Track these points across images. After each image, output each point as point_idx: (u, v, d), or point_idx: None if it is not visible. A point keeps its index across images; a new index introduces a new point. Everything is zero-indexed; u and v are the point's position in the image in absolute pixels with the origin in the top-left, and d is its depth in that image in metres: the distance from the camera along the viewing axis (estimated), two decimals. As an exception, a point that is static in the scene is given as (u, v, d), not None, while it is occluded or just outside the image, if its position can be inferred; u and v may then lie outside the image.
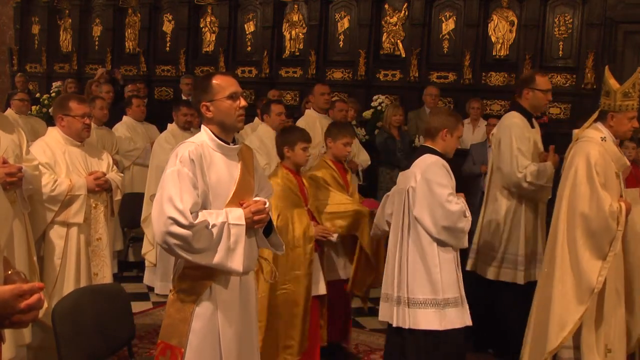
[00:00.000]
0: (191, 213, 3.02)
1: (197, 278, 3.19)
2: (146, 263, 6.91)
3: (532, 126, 5.32)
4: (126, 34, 12.26)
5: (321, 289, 4.74)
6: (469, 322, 4.26)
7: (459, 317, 4.20)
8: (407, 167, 8.00)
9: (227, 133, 3.27)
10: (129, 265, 7.52)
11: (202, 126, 3.30)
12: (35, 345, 4.44)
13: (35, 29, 13.17)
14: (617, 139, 4.46)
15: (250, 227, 3.23)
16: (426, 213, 4.18)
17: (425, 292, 4.17)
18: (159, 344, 3.25)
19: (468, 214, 4.21)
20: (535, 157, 5.21)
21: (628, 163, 4.54)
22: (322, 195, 5.01)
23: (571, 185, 4.31)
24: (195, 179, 3.09)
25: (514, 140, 5.11)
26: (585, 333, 4.27)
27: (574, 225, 4.27)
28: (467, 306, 4.27)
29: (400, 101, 9.46)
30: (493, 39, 9.47)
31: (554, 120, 8.98)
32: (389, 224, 4.57)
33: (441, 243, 4.19)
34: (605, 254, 4.19)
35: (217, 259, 3.09)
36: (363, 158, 7.40)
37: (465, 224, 4.20)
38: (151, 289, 6.88)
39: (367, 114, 9.25)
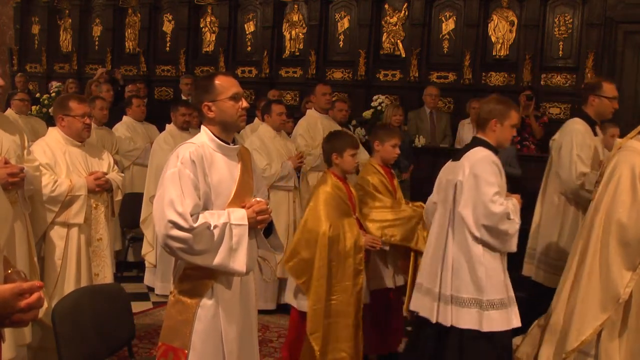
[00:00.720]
0: (192, 215, 3.02)
1: (198, 278, 3.18)
2: (146, 264, 6.91)
3: (595, 134, 5.21)
4: (126, 34, 12.26)
5: (364, 298, 4.61)
6: (517, 324, 4.07)
7: (503, 319, 4.01)
8: (407, 167, 8.04)
9: (227, 133, 3.28)
10: (129, 266, 7.52)
11: (202, 127, 3.30)
12: (36, 345, 4.44)
13: (35, 29, 13.17)
14: None
15: (253, 227, 3.23)
16: (469, 210, 3.99)
17: (470, 291, 4.00)
18: (160, 346, 3.24)
19: (514, 216, 3.98)
20: (595, 165, 5.07)
21: None
22: (370, 202, 4.86)
23: (612, 192, 4.18)
24: (196, 180, 3.09)
25: (575, 147, 5.04)
26: (606, 342, 4.15)
27: (609, 232, 4.16)
28: (515, 307, 4.08)
29: (400, 101, 9.46)
30: (493, 39, 9.47)
31: (554, 120, 8.96)
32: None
33: (485, 243, 4.01)
34: (636, 265, 4.12)
35: (219, 260, 3.09)
36: (364, 158, 7.36)
37: (509, 226, 3.97)
38: (151, 289, 6.88)
39: (367, 114, 9.24)
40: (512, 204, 4.01)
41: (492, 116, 4.09)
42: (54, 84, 11.69)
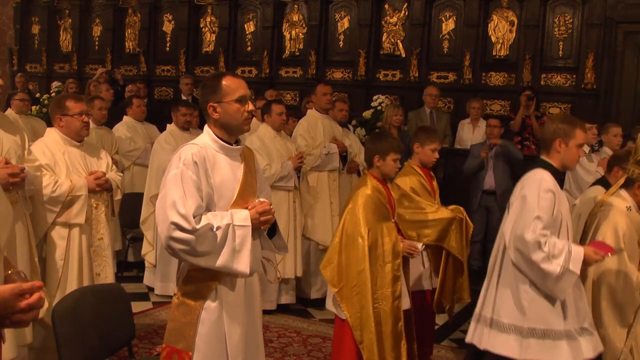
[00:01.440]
0: (195, 216, 3.01)
1: (202, 280, 3.17)
2: (146, 264, 6.91)
3: None
4: (126, 34, 12.26)
5: (405, 303, 4.46)
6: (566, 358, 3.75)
7: (544, 351, 3.74)
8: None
9: (230, 135, 3.26)
10: (129, 265, 7.52)
11: (206, 127, 3.28)
12: (37, 346, 4.43)
13: (35, 29, 13.16)
14: None
15: (257, 228, 3.22)
16: (509, 228, 3.81)
17: (511, 316, 3.79)
18: (164, 348, 3.23)
19: (561, 259, 3.64)
20: None
21: None
22: (408, 203, 4.79)
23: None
24: (198, 181, 3.08)
25: None
26: None
27: (599, 293, 4.18)
28: (578, 343, 3.76)
29: (400, 101, 9.47)
30: (493, 39, 9.47)
31: (554, 120, 8.98)
32: None
33: (520, 269, 3.77)
34: (629, 323, 4.14)
35: (222, 261, 3.08)
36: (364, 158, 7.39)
37: (544, 263, 3.63)
38: (151, 289, 6.88)
39: (367, 114, 9.25)
40: (573, 250, 3.69)
41: (556, 136, 3.84)
42: (54, 84, 11.70)
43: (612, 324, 4.13)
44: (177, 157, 3.13)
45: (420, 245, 4.50)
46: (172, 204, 3.01)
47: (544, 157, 3.92)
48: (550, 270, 3.65)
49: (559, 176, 3.93)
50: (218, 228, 3.06)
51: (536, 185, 3.76)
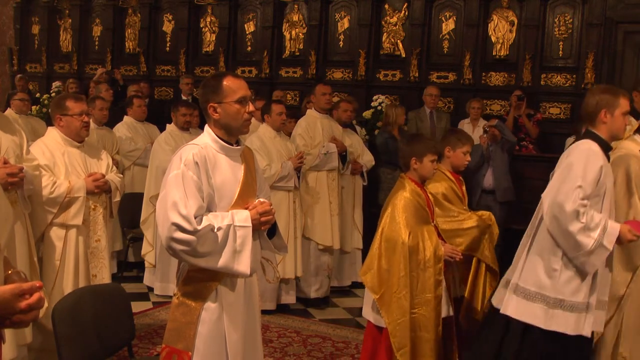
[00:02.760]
0: (196, 217, 3.01)
1: (202, 280, 3.17)
2: (146, 264, 6.91)
3: None
4: (126, 34, 12.26)
5: (445, 310, 4.38)
6: (585, 332, 3.77)
7: (571, 323, 3.72)
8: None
9: (231, 135, 3.25)
10: (129, 265, 7.53)
11: (206, 127, 3.27)
12: (36, 346, 4.43)
13: (35, 29, 13.16)
14: None
15: (257, 228, 3.21)
16: (549, 196, 3.74)
17: (539, 285, 3.77)
18: (163, 348, 3.23)
19: (596, 233, 3.62)
20: None
21: None
22: (439, 210, 4.64)
23: (610, 196, 4.20)
24: (199, 182, 3.07)
25: None
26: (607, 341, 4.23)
27: None
28: (591, 316, 3.77)
29: (400, 101, 9.48)
30: (493, 39, 9.47)
31: (554, 120, 8.99)
32: None
33: (555, 238, 3.73)
34: (636, 266, 4.16)
35: (223, 262, 3.08)
36: (367, 159, 7.39)
37: (580, 235, 3.61)
38: (151, 289, 6.88)
39: (367, 114, 9.25)
40: (609, 226, 3.68)
41: (600, 107, 3.80)
42: (55, 84, 11.70)
43: (617, 266, 4.12)
44: (178, 157, 3.13)
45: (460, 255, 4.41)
46: (173, 204, 3.01)
47: (591, 128, 3.84)
48: (585, 242, 3.62)
49: (608, 148, 3.86)
50: (219, 229, 3.06)
51: (584, 154, 3.71)
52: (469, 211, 4.82)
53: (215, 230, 3.05)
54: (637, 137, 4.36)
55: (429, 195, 4.42)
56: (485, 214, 4.87)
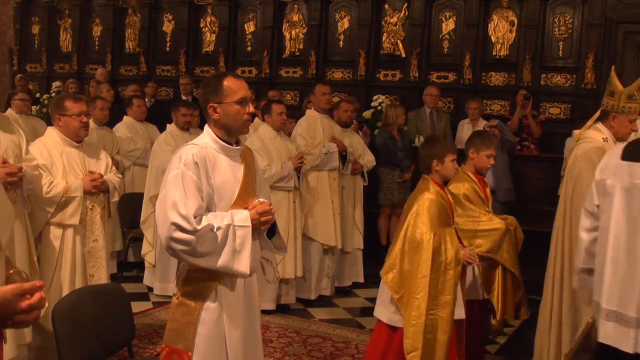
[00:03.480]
0: (195, 217, 3.01)
1: (201, 280, 3.17)
2: (146, 264, 6.91)
3: None
4: (126, 34, 12.26)
5: (461, 313, 4.32)
6: None
7: None
8: (408, 167, 8.06)
9: (230, 135, 3.25)
10: (129, 265, 7.52)
11: (206, 127, 3.27)
12: (37, 345, 4.44)
13: (35, 29, 13.16)
14: (616, 140, 4.38)
15: (257, 228, 3.21)
16: None
17: None
18: (163, 348, 3.23)
19: None
20: None
21: None
22: (460, 210, 4.67)
23: (579, 190, 4.25)
24: (199, 182, 3.07)
25: None
26: None
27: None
28: None
29: (400, 101, 9.47)
30: (493, 39, 9.47)
31: (554, 120, 8.98)
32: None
33: None
34: None
35: (222, 261, 3.07)
36: (368, 159, 7.39)
37: None
38: (151, 289, 6.87)
39: (367, 114, 9.24)
40: None
41: None
42: (55, 84, 11.71)
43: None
44: (178, 157, 3.13)
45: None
46: (172, 204, 3.00)
47: None
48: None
49: None
50: (218, 228, 3.05)
51: None
52: (491, 213, 4.80)
53: (215, 230, 3.04)
54: (598, 126, 4.42)
55: (450, 197, 4.41)
56: (509, 218, 4.88)
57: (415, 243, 4.15)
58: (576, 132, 4.56)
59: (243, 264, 3.11)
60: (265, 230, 3.34)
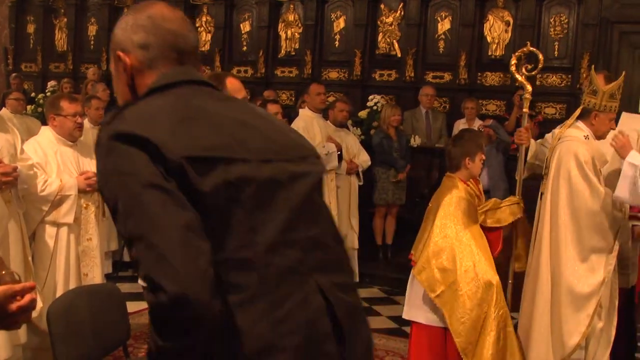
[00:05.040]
0: None
1: None
2: (141, 263, 6.89)
3: None
4: (122, 34, 12.22)
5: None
6: None
7: None
8: (403, 167, 8.05)
9: None
10: (125, 265, 7.51)
11: None
12: (32, 346, 4.42)
13: (31, 28, 13.12)
14: (596, 138, 4.45)
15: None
16: None
17: None
18: None
19: None
20: None
21: (608, 159, 4.51)
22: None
23: (567, 187, 4.28)
24: None
25: None
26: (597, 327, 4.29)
27: (579, 225, 4.25)
28: None
29: (396, 101, 9.46)
30: (489, 39, 9.47)
31: (550, 120, 8.98)
32: None
33: None
34: (612, 246, 4.22)
35: None
36: (363, 159, 7.39)
37: None
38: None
39: (363, 113, 9.24)
40: None
41: None
42: (50, 84, 11.67)
43: (596, 251, 4.22)
44: None
45: None
46: None
47: None
48: None
49: None
50: None
51: None
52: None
53: None
54: (579, 124, 4.47)
55: (477, 192, 4.44)
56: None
57: (450, 239, 4.14)
58: (556, 130, 4.58)
59: None
60: None
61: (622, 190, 3.95)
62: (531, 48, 4.83)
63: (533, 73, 4.89)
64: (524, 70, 4.83)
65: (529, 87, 4.70)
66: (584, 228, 4.23)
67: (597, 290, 4.20)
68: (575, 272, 4.24)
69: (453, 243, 4.14)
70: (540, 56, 4.86)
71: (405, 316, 4.46)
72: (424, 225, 4.39)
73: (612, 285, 4.32)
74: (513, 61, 4.77)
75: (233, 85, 3.20)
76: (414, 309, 4.35)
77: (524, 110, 4.71)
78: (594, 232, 4.21)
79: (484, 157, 4.36)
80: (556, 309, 4.32)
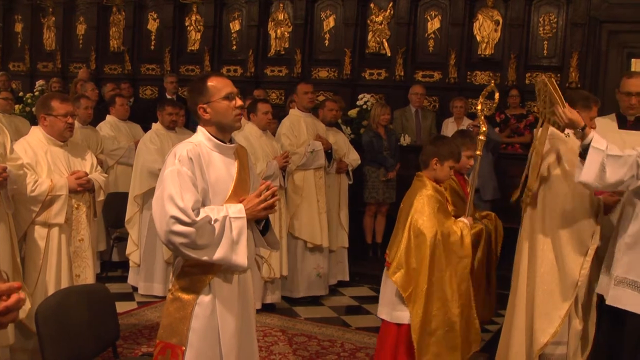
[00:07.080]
0: (193, 210, 3.03)
1: (196, 274, 3.19)
2: (130, 263, 6.88)
3: None
4: (110, 33, 12.19)
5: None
6: None
7: None
8: (393, 166, 8.06)
9: (224, 133, 3.29)
10: (114, 265, 7.48)
11: (199, 127, 3.30)
12: (19, 346, 4.39)
13: (19, 27, 13.07)
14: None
15: (260, 217, 3.26)
16: None
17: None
18: (158, 344, 3.24)
19: None
20: None
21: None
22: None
23: (547, 184, 4.34)
24: (194, 177, 3.10)
25: None
26: (577, 326, 4.32)
27: (557, 223, 4.29)
28: None
29: (386, 100, 9.47)
30: (478, 38, 9.50)
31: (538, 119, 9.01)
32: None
33: None
34: (587, 248, 4.24)
35: (221, 253, 3.10)
36: (353, 157, 7.39)
37: None
38: (136, 289, 6.84)
39: (353, 112, 9.25)
40: None
41: None
42: (38, 83, 11.61)
43: (570, 251, 4.25)
44: (172, 154, 3.17)
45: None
46: (169, 198, 3.03)
47: None
48: None
49: None
50: (215, 220, 3.09)
51: None
52: (471, 210, 4.73)
53: (212, 222, 3.08)
54: None
55: (444, 192, 4.49)
56: (490, 214, 5.02)
57: (422, 238, 4.19)
58: (536, 131, 4.60)
59: (241, 256, 3.14)
60: (262, 224, 3.37)
61: (588, 175, 3.81)
62: (493, 86, 4.85)
63: (492, 112, 4.95)
64: (486, 110, 4.87)
65: (484, 128, 4.70)
66: (561, 229, 4.28)
67: (571, 293, 4.25)
68: (550, 271, 4.29)
69: (423, 242, 4.18)
70: (497, 94, 4.88)
71: (378, 314, 4.55)
72: (396, 226, 4.44)
73: (591, 285, 4.36)
74: (480, 100, 4.77)
75: (217, 83, 3.24)
76: (383, 307, 4.45)
77: (477, 152, 4.71)
78: (569, 233, 4.26)
79: (454, 167, 4.41)
80: (530, 307, 4.39)
